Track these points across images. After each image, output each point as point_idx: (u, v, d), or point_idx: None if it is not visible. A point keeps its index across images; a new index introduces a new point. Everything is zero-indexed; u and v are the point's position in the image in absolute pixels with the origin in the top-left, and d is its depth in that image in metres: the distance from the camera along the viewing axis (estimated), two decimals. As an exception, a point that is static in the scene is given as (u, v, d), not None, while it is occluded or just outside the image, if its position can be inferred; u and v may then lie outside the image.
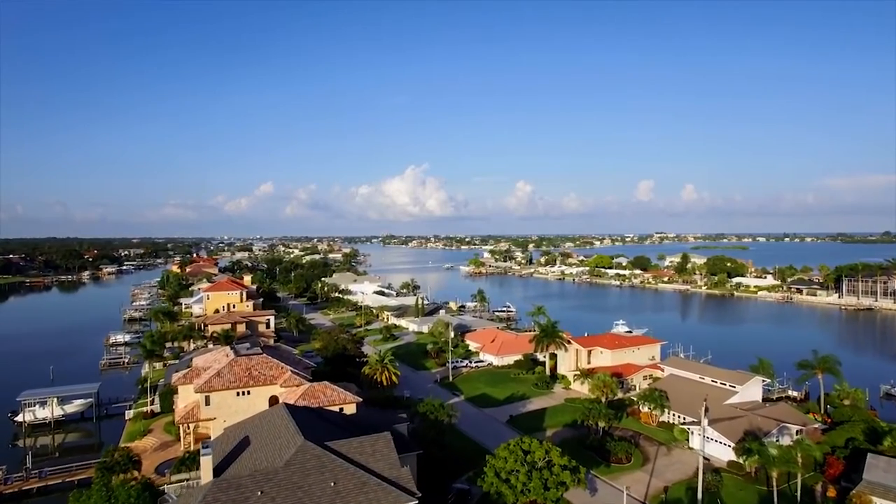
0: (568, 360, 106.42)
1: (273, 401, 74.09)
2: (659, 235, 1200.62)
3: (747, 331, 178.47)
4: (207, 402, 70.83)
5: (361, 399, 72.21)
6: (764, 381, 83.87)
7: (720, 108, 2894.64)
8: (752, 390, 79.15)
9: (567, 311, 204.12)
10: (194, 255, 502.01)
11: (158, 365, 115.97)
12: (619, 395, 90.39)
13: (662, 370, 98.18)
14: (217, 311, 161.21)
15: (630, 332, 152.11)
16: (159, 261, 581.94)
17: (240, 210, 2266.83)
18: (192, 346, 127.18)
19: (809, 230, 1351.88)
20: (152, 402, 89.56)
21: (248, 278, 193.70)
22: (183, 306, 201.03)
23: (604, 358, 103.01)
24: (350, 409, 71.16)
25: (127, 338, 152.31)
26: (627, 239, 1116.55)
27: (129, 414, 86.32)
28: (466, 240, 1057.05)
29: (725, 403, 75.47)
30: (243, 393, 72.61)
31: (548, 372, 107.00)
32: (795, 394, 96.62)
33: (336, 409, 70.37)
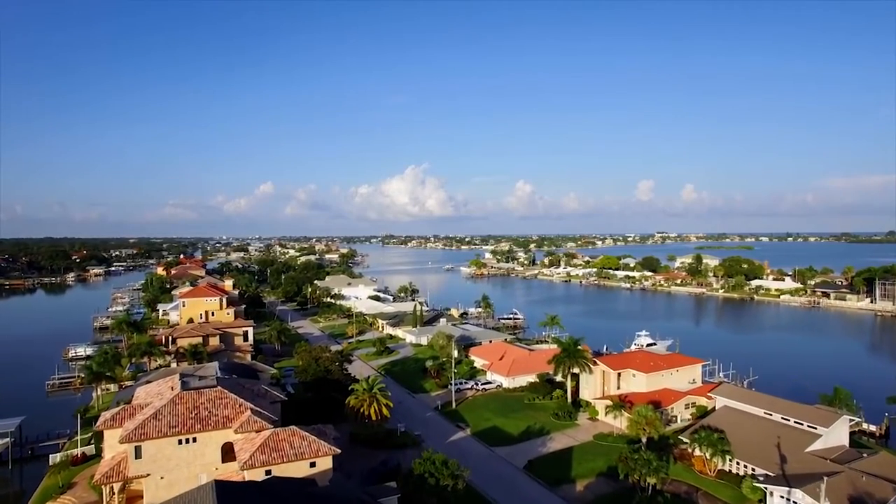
0: (593, 384, 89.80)
1: (226, 449, 57.61)
2: (661, 235, 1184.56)
3: (785, 343, 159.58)
4: (138, 455, 54.21)
5: (340, 450, 55.57)
6: (851, 419, 67.19)
7: (720, 108, 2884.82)
8: (837, 432, 62.44)
9: (577, 318, 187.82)
10: (182, 256, 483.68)
11: (113, 387, 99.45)
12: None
13: (711, 399, 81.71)
14: (191, 320, 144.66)
15: (654, 343, 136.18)
16: (151, 261, 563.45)
17: (239, 210, 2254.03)
18: (155, 363, 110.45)
19: (810, 230, 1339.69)
20: (89, 442, 72.81)
21: (229, 282, 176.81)
22: (160, 313, 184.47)
23: (637, 382, 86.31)
24: (325, 464, 54.76)
25: (89, 350, 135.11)
26: (629, 239, 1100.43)
27: (56, 458, 69.36)
28: (466, 240, 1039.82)
29: (807, 451, 58.84)
30: (187, 440, 56.04)
31: (569, 397, 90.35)
32: (872, 427, 79.72)
33: (307, 463, 54.11)
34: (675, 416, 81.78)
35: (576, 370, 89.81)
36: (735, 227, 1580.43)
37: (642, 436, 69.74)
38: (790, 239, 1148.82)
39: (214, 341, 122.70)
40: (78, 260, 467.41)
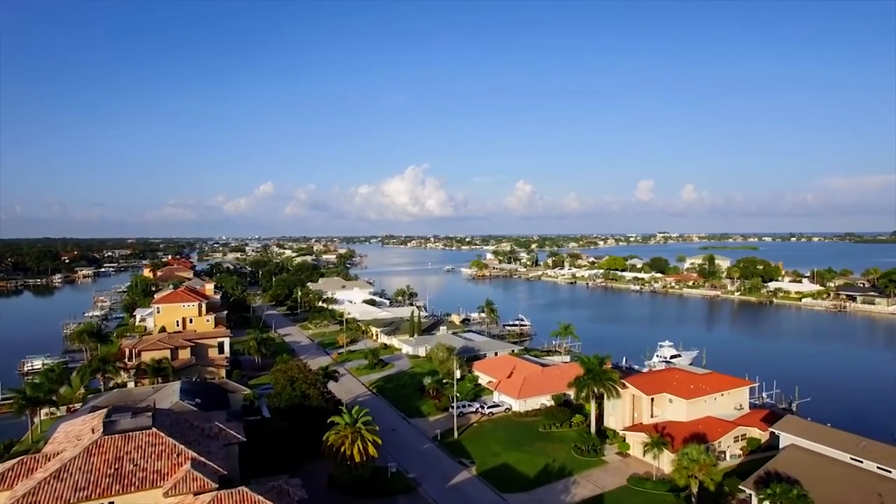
0: (620, 410, 75.82)
1: (157, 517, 43.60)
2: (663, 235, 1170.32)
3: (825, 354, 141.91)
4: (29, 531, 40.18)
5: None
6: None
7: (720, 108, 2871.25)
8: (954, 489, 48.27)
9: (588, 324, 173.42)
10: (171, 257, 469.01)
11: (61, 411, 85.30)
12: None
13: (764, 429, 67.90)
14: (163, 329, 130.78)
15: (678, 355, 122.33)
16: (145, 262, 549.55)
17: (239, 210, 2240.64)
18: (113, 382, 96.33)
19: (812, 230, 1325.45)
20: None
21: (209, 286, 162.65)
22: (138, 319, 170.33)
23: (675, 409, 72.28)
24: (284, 541, 40.74)
25: (48, 363, 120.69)
26: (631, 239, 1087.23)
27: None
28: (467, 240, 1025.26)
29: (924, 518, 44.74)
30: (102, 507, 42.03)
31: (592, 425, 76.21)
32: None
33: (259, 540, 40.12)
34: (724, 453, 67.69)
35: (599, 389, 75.85)
36: (736, 227, 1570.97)
37: (692, 485, 55.62)
38: (793, 239, 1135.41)
39: (184, 354, 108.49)
40: (67, 261, 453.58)
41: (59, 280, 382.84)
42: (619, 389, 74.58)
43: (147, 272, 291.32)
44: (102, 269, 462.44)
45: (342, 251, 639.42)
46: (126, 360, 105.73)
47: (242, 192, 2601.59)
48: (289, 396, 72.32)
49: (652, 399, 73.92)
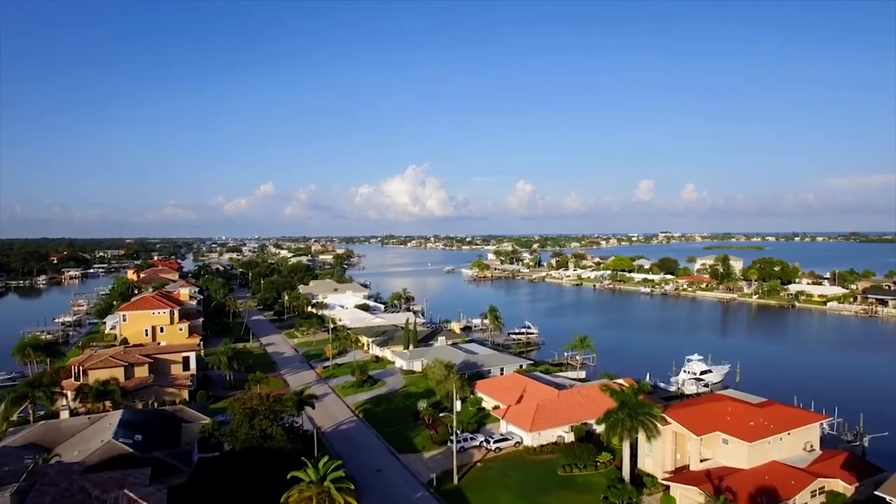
0: (660, 450, 61.01)
1: None
2: (665, 235, 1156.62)
3: (873, 368, 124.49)
4: None
5: None
6: None
7: (720, 107, 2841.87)
8: None
9: (600, 331, 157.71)
10: (156, 257, 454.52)
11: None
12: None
13: (850, 480, 53.13)
14: (125, 341, 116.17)
15: (709, 371, 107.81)
16: (137, 263, 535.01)
17: (240, 210, 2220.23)
18: (53, 408, 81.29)
19: (814, 229, 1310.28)
20: None
21: (185, 291, 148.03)
22: (108, 326, 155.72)
23: (731, 453, 57.46)
24: None
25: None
26: (633, 239, 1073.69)
27: None
28: (467, 240, 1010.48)
29: None
30: None
31: (626, 469, 61.18)
32: None
33: None
34: (799, 512, 52.84)
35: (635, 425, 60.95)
36: (738, 227, 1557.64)
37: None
38: (797, 238, 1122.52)
39: (141, 372, 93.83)
40: (55, 261, 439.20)
41: (44, 281, 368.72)
42: (658, 424, 59.78)
43: (131, 273, 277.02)
44: (91, 271, 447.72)
45: (340, 251, 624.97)
46: (73, 379, 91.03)
47: (242, 192, 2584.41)
48: (246, 436, 57.43)
49: (700, 439, 59.06)
